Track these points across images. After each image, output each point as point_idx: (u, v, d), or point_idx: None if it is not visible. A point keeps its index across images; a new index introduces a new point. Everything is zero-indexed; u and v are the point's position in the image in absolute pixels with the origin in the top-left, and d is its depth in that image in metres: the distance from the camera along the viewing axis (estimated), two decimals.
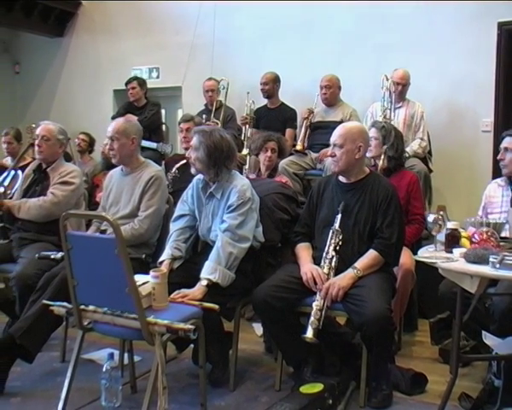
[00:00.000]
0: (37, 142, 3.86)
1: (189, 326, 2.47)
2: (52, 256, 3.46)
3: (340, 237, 3.10)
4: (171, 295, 2.88)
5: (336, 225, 3.12)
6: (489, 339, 2.94)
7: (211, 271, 3.03)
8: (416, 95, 5.12)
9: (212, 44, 6.39)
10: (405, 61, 5.25)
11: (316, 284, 3.02)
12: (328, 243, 3.11)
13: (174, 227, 3.35)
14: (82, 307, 2.67)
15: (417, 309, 4.18)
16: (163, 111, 6.77)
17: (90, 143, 6.60)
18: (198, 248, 3.51)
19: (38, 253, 3.50)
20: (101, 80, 7.25)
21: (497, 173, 4.13)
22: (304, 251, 3.25)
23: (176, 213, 3.41)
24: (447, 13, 5.36)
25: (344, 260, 3.09)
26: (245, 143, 5.42)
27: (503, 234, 2.81)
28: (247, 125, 5.57)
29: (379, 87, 4.99)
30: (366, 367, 3.00)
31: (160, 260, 3.24)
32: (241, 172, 4.52)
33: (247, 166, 5.12)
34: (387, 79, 4.94)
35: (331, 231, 3.12)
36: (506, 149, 3.43)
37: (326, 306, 2.97)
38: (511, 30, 5.20)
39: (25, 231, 3.77)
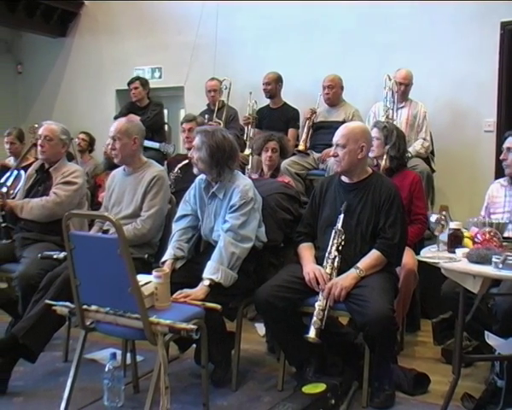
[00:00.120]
0: (39, 142, 3.86)
1: (191, 326, 2.47)
2: (55, 256, 3.47)
3: (343, 237, 3.10)
4: (174, 295, 2.88)
5: (339, 225, 3.12)
6: (492, 339, 2.94)
7: (213, 271, 3.03)
8: (419, 95, 5.11)
9: (215, 44, 6.39)
10: (408, 60, 5.24)
11: (318, 284, 3.01)
12: (330, 243, 3.11)
13: (176, 227, 3.35)
14: (84, 306, 2.67)
15: (420, 309, 4.18)
16: (165, 111, 6.77)
17: (90, 143, 6.61)
18: (200, 249, 3.51)
19: (41, 253, 3.51)
20: (103, 80, 7.26)
21: (499, 173, 4.12)
22: (306, 251, 3.25)
23: (178, 214, 3.41)
24: (450, 12, 5.34)
25: (346, 260, 3.09)
26: (247, 143, 5.42)
27: (505, 234, 2.82)
28: (250, 126, 5.56)
29: (381, 87, 4.98)
30: (368, 367, 3.00)
31: (163, 260, 3.25)
32: (244, 173, 4.51)
33: (249, 167, 5.12)
34: (390, 79, 4.93)
35: (334, 231, 3.12)
36: (509, 149, 3.43)
37: (328, 306, 2.97)
38: None
39: (27, 231, 3.78)
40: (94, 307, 2.67)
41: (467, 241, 2.70)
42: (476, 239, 2.67)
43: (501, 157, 3.52)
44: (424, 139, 4.96)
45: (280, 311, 3.01)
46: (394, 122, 4.61)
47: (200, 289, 2.98)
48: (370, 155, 3.63)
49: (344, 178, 3.26)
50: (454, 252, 2.64)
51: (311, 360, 3.17)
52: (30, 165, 4.35)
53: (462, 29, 5.33)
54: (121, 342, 3.30)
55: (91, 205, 4.65)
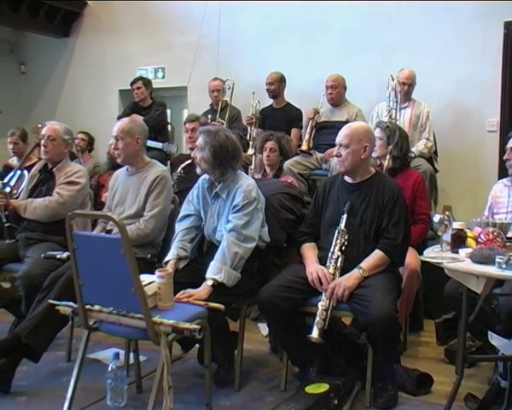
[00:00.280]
0: (42, 142, 3.87)
1: (194, 326, 2.47)
2: (58, 256, 3.46)
3: (346, 238, 3.10)
4: (177, 295, 2.88)
5: (342, 225, 3.12)
6: (495, 340, 2.93)
7: (216, 271, 3.03)
8: (422, 95, 5.11)
9: (218, 44, 6.40)
10: (411, 60, 5.23)
11: (321, 284, 3.01)
12: (333, 243, 3.11)
13: (180, 227, 3.35)
14: (88, 306, 2.68)
15: (423, 309, 4.17)
16: (168, 111, 6.77)
17: (90, 142, 6.60)
18: (203, 249, 3.51)
19: (44, 252, 3.50)
20: (106, 80, 7.26)
21: (503, 173, 4.12)
22: (309, 251, 3.25)
23: (181, 214, 3.41)
24: (453, 12, 5.34)
25: (349, 261, 3.09)
26: (250, 143, 5.42)
27: (509, 234, 2.80)
28: (253, 126, 5.56)
29: (384, 87, 4.97)
30: (372, 368, 3.00)
31: (166, 260, 3.25)
32: (247, 173, 4.51)
33: (252, 167, 5.12)
34: (393, 79, 4.93)
35: (337, 232, 3.12)
36: None
37: (332, 306, 2.96)
38: None
39: (31, 231, 3.79)
40: (97, 307, 2.67)
41: (470, 241, 2.70)
42: (479, 239, 2.66)
43: (504, 157, 3.51)
44: (427, 139, 4.96)
45: (283, 311, 3.01)
46: (397, 122, 4.61)
47: (204, 289, 2.98)
48: (373, 155, 3.63)
49: (347, 178, 3.26)
50: (457, 252, 2.63)
51: (314, 361, 3.17)
52: (33, 165, 4.36)
53: (465, 29, 5.32)
54: (124, 341, 3.29)
55: (94, 205, 4.65)
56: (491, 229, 2.69)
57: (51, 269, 3.41)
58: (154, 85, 6.48)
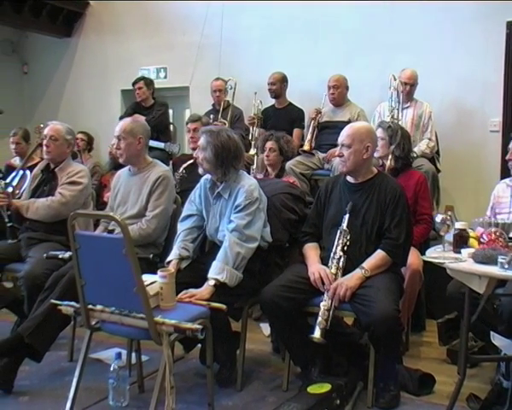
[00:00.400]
0: (45, 142, 3.87)
1: (196, 326, 2.47)
2: (60, 256, 3.47)
3: (348, 238, 3.10)
4: (179, 295, 2.88)
5: (344, 225, 3.12)
6: (497, 340, 2.93)
7: (218, 271, 3.03)
8: (424, 95, 5.10)
9: (220, 44, 6.39)
10: (413, 60, 5.22)
11: (323, 284, 3.01)
12: (335, 243, 3.11)
13: (182, 227, 3.35)
14: (90, 306, 2.68)
15: (425, 310, 4.17)
16: (170, 111, 6.77)
17: (89, 142, 6.62)
18: (205, 249, 3.51)
19: (46, 252, 3.51)
20: (108, 80, 7.27)
21: (505, 173, 4.11)
22: (311, 251, 3.25)
23: (183, 213, 3.41)
24: (455, 12, 5.33)
25: (352, 261, 3.09)
26: (252, 143, 5.42)
27: (511, 234, 2.80)
28: (255, 126, 5.57)
29: (386, 87, 4.97)
30: (374, 368, 3.00)
31: (168, 259, 3.25)
32: (249, 173, 4.51)
33: (254, 166, 5.12)
34: (395, 79, 4.92)
35: (339, 232, 3.11)
36: None
37: (334, 306, 2.96)
38: None
39: (33, 231, 3.79)
40: (99, 307, 2.67)
41: (472, 241, 2.69)
42: (482, 239, 2.66)
43: (507, 157, 3.51)
44: (429, 139, 4.95)
45: (285, 311, 3.01)
46: (399, 122, 4.60)
47: (206, 289, 2.98)
48: (375, 155, 3.62)
49: (349, 178, 3.26)
50: (459, 252, 2.63)
51: (316, 361, 3.17)
52: (35, 165, 4.36)
53: (467, 29, 5.32)
54: (126, 341, 3.30)
55: (97, 205, 4.66)
56: (493, 229, 2.69)
57: (53, 269, 3.42)
58: (156, 85, 6.48)
